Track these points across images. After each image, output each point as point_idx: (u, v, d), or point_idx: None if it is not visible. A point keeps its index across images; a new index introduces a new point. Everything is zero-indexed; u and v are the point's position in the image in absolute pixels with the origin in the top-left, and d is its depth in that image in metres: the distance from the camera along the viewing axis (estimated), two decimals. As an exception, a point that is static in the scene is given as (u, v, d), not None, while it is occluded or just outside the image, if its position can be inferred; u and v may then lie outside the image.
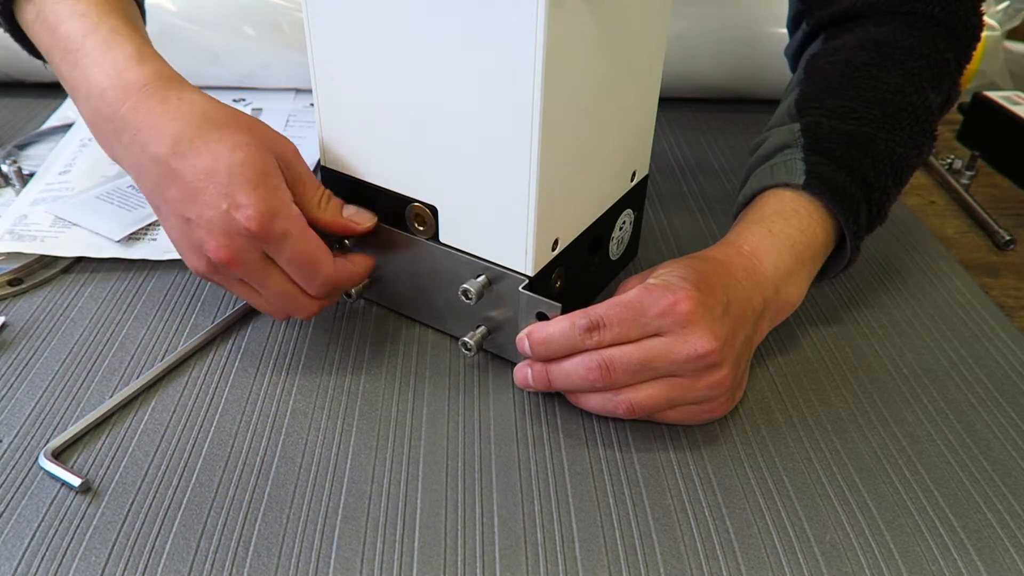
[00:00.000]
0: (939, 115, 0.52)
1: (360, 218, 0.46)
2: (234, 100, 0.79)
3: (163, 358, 0.47)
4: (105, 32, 0.44)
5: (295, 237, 0.41)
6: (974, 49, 0.53)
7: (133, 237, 0.56)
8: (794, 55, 0.59)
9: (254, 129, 0.42)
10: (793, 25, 0.59)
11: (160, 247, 0.56)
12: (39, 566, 0.36)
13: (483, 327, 0.46)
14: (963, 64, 0.53)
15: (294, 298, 0.43)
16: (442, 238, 0.45)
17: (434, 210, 0.45)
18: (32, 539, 0.37)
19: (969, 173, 0.71)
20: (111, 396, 0.44)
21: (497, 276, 0.44)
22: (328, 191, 0.45)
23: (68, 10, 0.45)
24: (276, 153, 0.42)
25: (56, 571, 0.35)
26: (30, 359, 0.47)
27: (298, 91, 0.81)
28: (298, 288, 0.43)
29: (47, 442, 0.41)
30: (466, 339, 0.45)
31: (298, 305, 0.44)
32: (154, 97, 0.42)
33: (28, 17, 0.46)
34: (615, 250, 0.53)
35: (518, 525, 0.38)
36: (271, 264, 0.42)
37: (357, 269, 0.46)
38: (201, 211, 0.40)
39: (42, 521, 0.38)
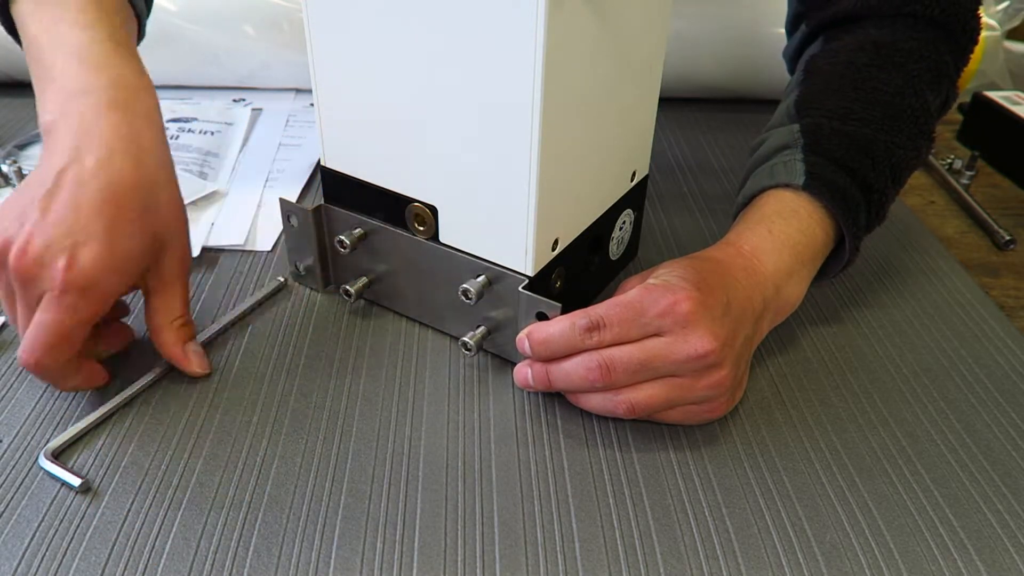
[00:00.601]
0: (937, 117, 0.52)
1: (193, 359, 0.44)
2: (234, 100, 0.79)
3: (162, 359, 0.47)
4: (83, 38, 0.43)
5: (64, 306, 0.38)
6: (972, 52, 0.53)
7: (133, 237, 0.56)
8: (793, 56, 0.59)
9: (165, 220, 0.41)
10: (792, 26, 0.59)
11: (160, 247, 0.56)
12: (39, 566, 0.36)
13: (483, 327, 0.46)
14: (961, 66, 0.53)
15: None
16: (442, 238, 0.45)
17: (434, 210, 0.45)
18: (32, 539, 0.37)
19: (969, 173, 0.71)
20: (112, 396, 0.44)
21: (497, 276, 0.44)
22: (188, 317, 0.44)
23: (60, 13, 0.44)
24: (172, 255, 0.42)
25: (56, 571, 0.35)
26: (30, 359, 0.47)
27: (298, 91, 0.82)
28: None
29: (47, 442, 0.41)
30: (466, 339, 0.45)
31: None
32: (92, 110, 0.41)
33: (23, 8, 0.46)
34: (615, 250, 0.53)
35: (518, 525, 0.38)
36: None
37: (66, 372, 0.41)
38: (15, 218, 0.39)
39: (42, 521, 0.38)
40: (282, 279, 0.53)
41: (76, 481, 0.39)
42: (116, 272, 0.39)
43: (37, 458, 0.40)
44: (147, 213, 0.40)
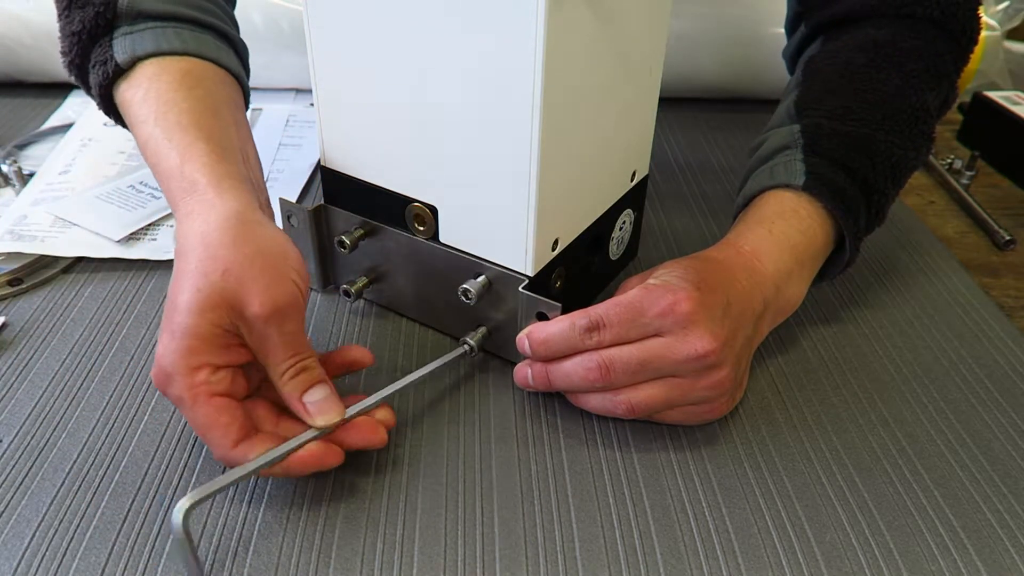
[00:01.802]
0: (937, 117, 0.52)
1: (317, 410, 0.38)
2: (234, 100, 0.79)
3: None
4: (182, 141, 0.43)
5: (187, 406, 0.36)
6: (972, 52, 0.53)
7: (133, 237, 0.56)
8: (792, 57, 0.59)
9: (233, 272, 0.37)
10: (791, 27, 0.59)
11: (160, 247, 0.56)
12: (39, 566, 0.36)
13: (483, 327, 0.46)
14: (961, 66, 0.53)
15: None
16: (442, 238, 0.45)
17: (434, 210, 0.45)
18: (32, 539, 0.37)
19: (969, 173, 0.71)
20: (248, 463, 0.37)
21: (497, 276, 0.44)
22: (304, 363, 0.38)
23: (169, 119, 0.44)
24: (247, 307, 0.37)
25: (56, 571, 0.35)
26: (30, 359, 0.47)
27: (298, 91, 0.82)
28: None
29: (48, 441, 0.41)
30: (467, 339, 0.45)
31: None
32: (192, 199, 0.41)
33: (127, 95, 0.47)
34: (615, 250, 0.53)
35: (518, 525, 0.38)
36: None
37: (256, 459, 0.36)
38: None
39: (42, 521, 0.38)
40: (469, 345, 0.46)
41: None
42: (190, 354, 0.36)
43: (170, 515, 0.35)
44: (222, 293, 0.37)
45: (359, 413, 0.39)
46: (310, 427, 0.38)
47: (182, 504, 0.33)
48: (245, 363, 0.39)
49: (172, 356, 0.36)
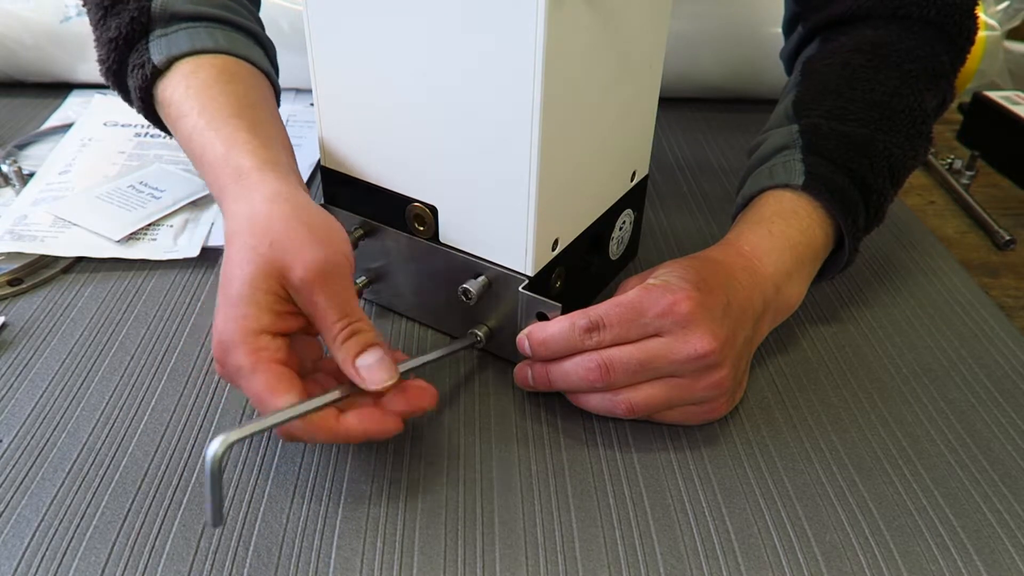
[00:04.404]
0: (935, 117, 0.52)
1: (369, 374, 0.37)
2: (234, 100, 0.79)
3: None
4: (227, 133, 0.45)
5: (245, 375, 0.36)
6: (968, 52, 0.53)
7: (133, 237, 0.56)
8: (789, 58, 0.59)
9: (279, 242, 0.38)
10: (789, 28, 0.60)
11: (160, 247, 0.56)
12: (39, 566, 0.36)
13: (486, 325, 0.46)
14: (958, 67, 0.53)
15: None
16: (442, 238, 0.45)
17: (434, 210, 0.45)
18: (32, 539, 0.37)
19: (969, 173, 0.71)
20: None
21: (497, 276, 0.44)
22: (355, 325, 0.38)
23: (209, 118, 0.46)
24: (292, 271, 0.37)
25: (56, 571, 0.35)
26: (30, 359, 0.47)
27: (298, 91, 0.82)
28: None
29: (48, 441, 0.41)
30: (476, 331, 0.45)
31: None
32: (238, 185, 0.42)
33: (166, 94, 0.48)
34: (615, 250, 0.53)
35: (518, 525, 0.38)
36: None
37: (324, 434, 0.37)
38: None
39: (42, 521, 0.38)
40: (478, 336, 0.46)
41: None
42: (248, 319, 0.37)
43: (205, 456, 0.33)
44: (272, 262, 0.38)
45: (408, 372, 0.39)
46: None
47: (223, 441, 0.33)
48: (301, 332, 0.39)
49: (231, 325, 0.37)
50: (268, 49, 0.54)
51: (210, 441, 0.32)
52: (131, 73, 0.49)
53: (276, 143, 0.45)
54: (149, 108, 0.51)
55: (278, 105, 0.53)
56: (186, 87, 0.47)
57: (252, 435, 0.34)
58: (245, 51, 0.50)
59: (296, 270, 0.37)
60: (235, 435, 0.33)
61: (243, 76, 0.49)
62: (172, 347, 0.48)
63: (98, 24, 0.50)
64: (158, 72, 0.48)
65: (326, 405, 0.37)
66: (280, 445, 0.42)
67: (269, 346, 0.37)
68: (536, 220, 0.41)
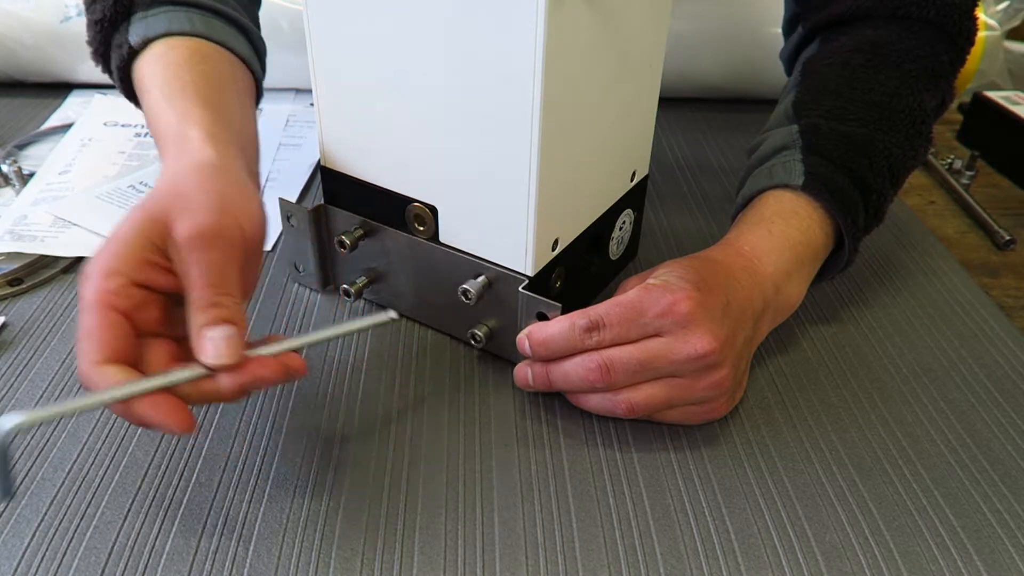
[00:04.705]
0: (934, 118, 0.52)
1: (212, 346, 0.35)
2: (234, 100, 0.79)
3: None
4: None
5: (83, 308, 0.35)
6: (968, 52, 0.54)
7: (133, 237, 0.56)
8: (789, 58, 0.60)
9: (181, 198, 0.37)
10: (788, 28, 0.60)
11: (160, 247, 0.56)
12: (39, 566, 0.36)
13: (486, 325, 0.46)
14: (958, 67, 0.53)
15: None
16: (442, 238, 0.45)
17: (434, 210, 0.45)
18: (32, 539, 0.37)
19: (969, 173, 0.71)
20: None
21: (497, 276, 0.44)
22: (220, 299, 0.36)
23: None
24: (176, 226, 0.36)
25: (56, 571, 0.35)
26: (30, 359, 0.47)
27: (298, 91, 0.82)
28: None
29: (48, 442, 0.41)
30: (475, 331, 0.45)
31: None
32: (178, 149, 0.42)
33: (139, 73, 0.50)
34: (615, 250, 0.53)
35: (518, 525, 0.38)
36: None
37: (106, 386, 0.34)
38: None
39: (42, 521, 0.38)
40: (393, 316, 0.43)
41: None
42: (109, 259, 0.36)
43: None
44: (156, 216, 0.37)
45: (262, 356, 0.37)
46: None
47: (10, 424, 0.31)
48: (168, 294, 0.37)
49: (97, 257, 0.36)
50: (256, 43, 0.55)
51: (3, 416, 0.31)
52: (112, 54, 0.51)
53: (228, 122, 0.46)
54: (129, 88, 0.52)
55: (259, 98, 0.54)
56: (154, 65, 0.48)
57: (49, 419, 0.32)
58: (223, 37, 0.51)
59: (180, 226, 0.36)
60: (27, 419, 0.31)
61: (214, 59, 0.50)
62: (172, 347, 0.48)
63: (88, 8, 0.52)
64: (135, 52, 0.50)
65: (150, 391, 0.34)
66: (280, 445, 0.42)
67: (120, 290, 0.35)
68: (536, 220, 0.41)
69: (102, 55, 0.52)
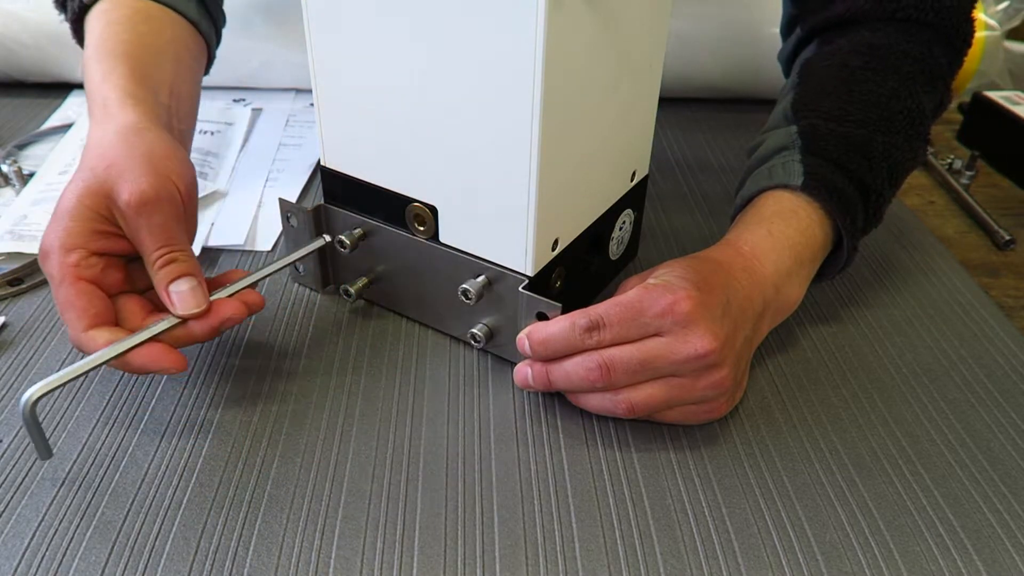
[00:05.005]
0: (932, 119, 0.52)
1: (180, 300, 0.40)
2: (234, 100, 0.79)
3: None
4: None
5: (55, 285, 0.40)
6: (966, 54, 0.54)
7: (133, 237, 0.56)
8: (787, 59, 0.60)
9: (115, 166, 0.41)
10: (787, 30, 0.60)
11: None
12: (39, 566, 0.36)
13: (486, 325, 0.46)
14: (955, 69, 0.54)
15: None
16: (442, 238, 0.45)
17: (434, 210, 0.45)
18: (32, 539, 0.37)
19: (969, 173, 0.71)
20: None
21: (497, 276, 0.44)
22: (174, 254, 0.41)
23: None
24: (119, 195, 0.40)
25: (56, 571, 0.35)
26: (30, 359, 0.47)
27: (298, 91, 0.82)
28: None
29: (51, 442, 0.41)
30: (475, 331, 0.45)
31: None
32: (101, 113, 0.46)
33: (87, 28, 0.53)
34: (615, 250, 0.53)
35: (518, 525, 0.38)
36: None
37: (100, 344, 0.39)
38: None
39: (42, 521, 0.38)
40: (327, 239, 0.49)
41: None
42: (67, 233, 0.40)
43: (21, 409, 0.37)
44: (95, 184, 0.41)
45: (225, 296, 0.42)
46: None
47: (31, 393, 0.36)
48: (124, 256, 0.42)
49: (51, 235, 0.40)
50: (211, 10, 0.57)
51: (24, 390, 0.37)
52: (67, 4, 0.54)
53: (156, 83, 0.48)
54: (81, 40, 0.54)
55: (208, 62, 0.58)
56: (96, 22, 0.51)
57: (63, 384, 0.38)
58: (173, 1, 0.53)
59: (123, 194, 0.40)
60: (44, 388, 0.37)
61: (157, 20, 0.52)
62: (172, 347, 0.48)
63: None
64: (85, 8, 0.53)
65: (140, 344, 0.39)
66: (280, 446, 0.42)
67: (81, 262, 0.40)
68: (536, 220, 0.41)
69: (62, 4, 0.55)
